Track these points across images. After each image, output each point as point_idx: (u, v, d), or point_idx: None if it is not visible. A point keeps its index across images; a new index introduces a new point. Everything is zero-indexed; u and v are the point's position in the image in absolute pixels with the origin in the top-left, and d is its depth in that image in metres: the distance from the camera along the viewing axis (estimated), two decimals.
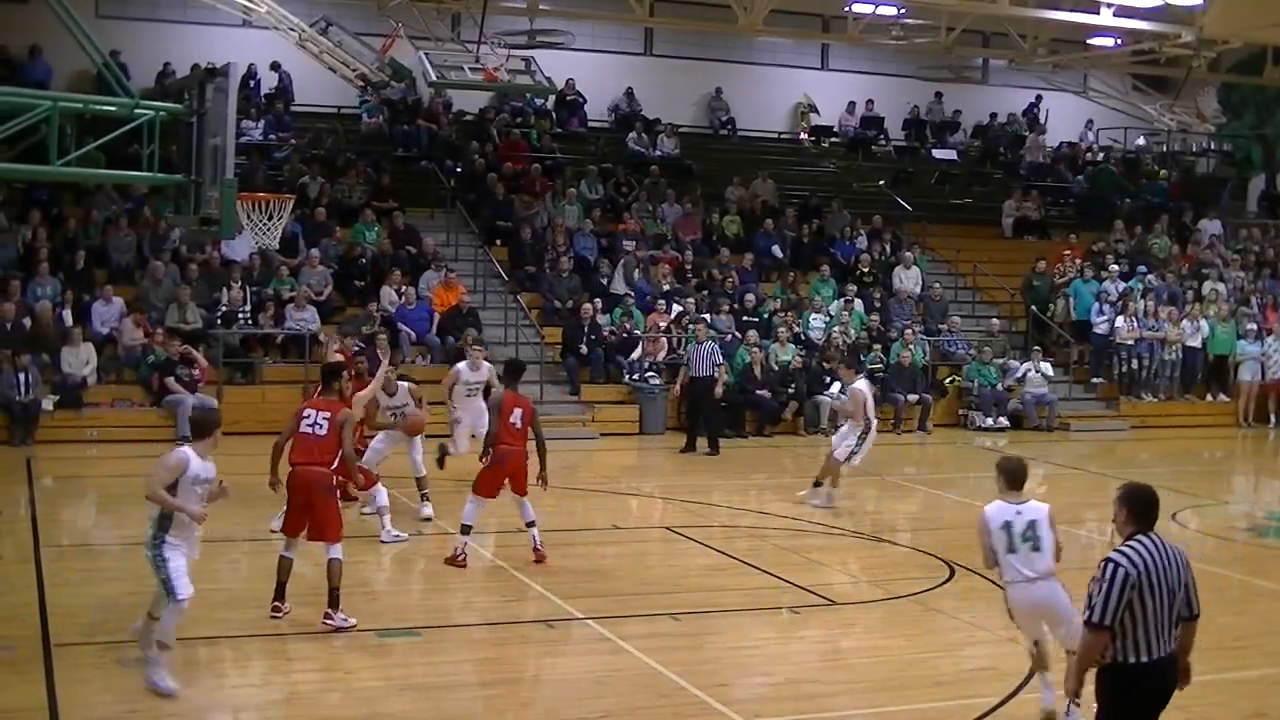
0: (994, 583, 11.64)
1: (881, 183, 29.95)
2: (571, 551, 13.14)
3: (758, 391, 21.74)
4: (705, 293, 23.78)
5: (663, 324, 22.72)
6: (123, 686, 8.70)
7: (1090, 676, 6.34)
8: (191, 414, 8.75)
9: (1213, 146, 34.34)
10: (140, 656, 8.65)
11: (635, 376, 21.92)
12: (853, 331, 23.54)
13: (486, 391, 14.85)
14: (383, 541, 12.70)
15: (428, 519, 13.66)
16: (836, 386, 15.77)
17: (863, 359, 22.90)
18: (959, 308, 26.04)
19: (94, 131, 12.63)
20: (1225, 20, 22.98)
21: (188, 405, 19.04)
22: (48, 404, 18.75)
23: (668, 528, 14.50)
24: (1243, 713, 8.91)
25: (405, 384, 13.86)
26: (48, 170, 11.23)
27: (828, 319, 23.89)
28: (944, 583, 11.94)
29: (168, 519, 8.58)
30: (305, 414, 10.29)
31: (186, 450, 8.91)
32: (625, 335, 22.40)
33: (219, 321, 20.69)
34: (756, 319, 23.15)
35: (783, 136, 31.63)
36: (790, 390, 22.09)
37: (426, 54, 20.12)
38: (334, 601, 9.92)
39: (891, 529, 15.06)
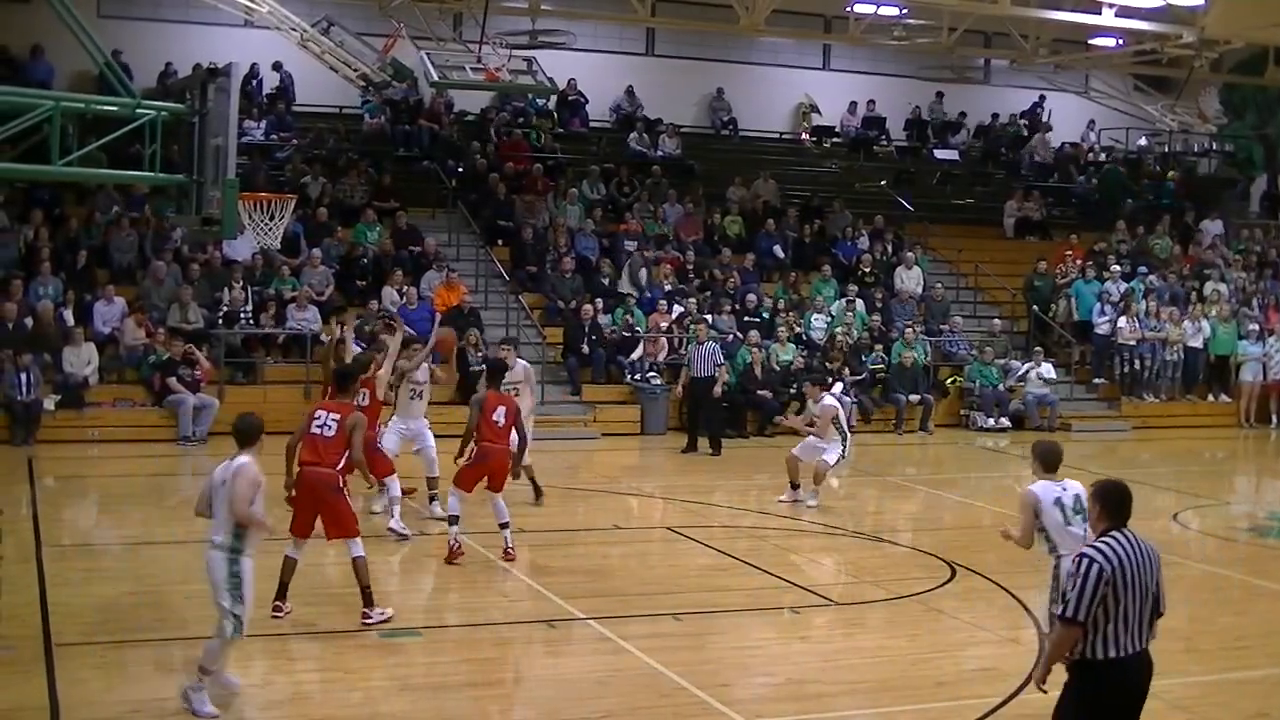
0: (995, 583, 11.72)
1: (883, 183, 29.94)
2: (573, 551, 13.15)
3: (759, 392, 21.73)
4: (707, 293, 23.77)
5: (664, 324, 22.73)
6: (124, 686, 8.71)
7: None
8: (237, 423, 8.52)
9: (1214, 147, 34.32)
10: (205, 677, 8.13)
11: (637, 377, 21.92)
12: (855, 332, 23.54)
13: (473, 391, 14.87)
14: (389, 528, 12.69)
15: (436, 518, 13.61)
16: (838, 387, 15.71)
17: (864, 360, 22.93)
18: (960, 308, 26.03)
19: (96, 131, 12.63)
20: (1227, 20, 22.96)
21: (189, 405, 19.10)
22: (49, 404, 18.75)
23: (669, 528, 14.50)
24: (1245, 713, 8.91)
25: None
26: (49, 170, 11.24)
27: (829, 319, 23.88)
28: (945, 583, 11.94)
29: (244, 533, 8.17)
30: (316, 415, 10.30)
31: (253, 461, 8.39)
32: (629, 334, 22.41)
33: (220, 321, 20.68)
34: (758, 319, 23.15)
35: (784, 137, 31.62)
36: (791, 390, 22.07)
37: (428, 54, 20.11)
38: (368, 600, 9.97)
39: (893, 529, 15.07)
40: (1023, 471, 20.39)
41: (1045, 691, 6.40)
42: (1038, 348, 24.32)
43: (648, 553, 13.56)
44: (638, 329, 22.52)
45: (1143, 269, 26.47)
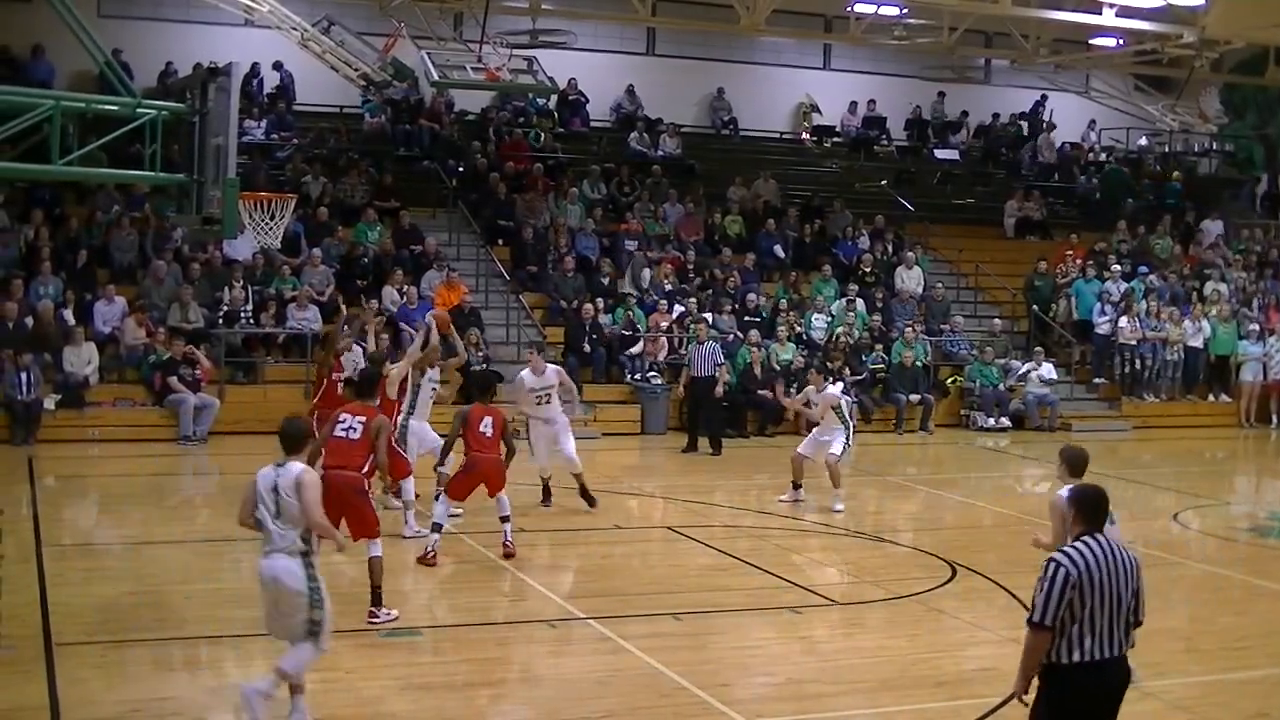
0: (995, 583, 11.72)
1: (883, 183, 29.94)
2: (573, 551, 13.15)
3: (759, 391, 21.74)
4: (707, 292, 23.77)
5: (664, 324, 22.73)
6: (124, 686, 8.71)
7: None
8: (286, 427, 8.01)
9: (1215, 147, 34.32)
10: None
11: (637, 376, 21.93)
12: (855, 332, 23.54)
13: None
14: (405, 537, 12.66)
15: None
16: (837, 388, 15.63)
17: (864, 359, 22.93)
18: (961, 308, 26.03)
19: (96, 131, 12.63)
20: (1227, 20, 22.95)
21: (190, 405, 19.11)
22: (49, 403, 18.76)
23: (669, 527, 14.50)
24: (1245, 713, 8.90)
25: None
26: (50, 170, 11.25)
27: (829, 319, 23.89)
28: (946, 583, 11.94)
29: (311, 535, 7.77)
30: (341, 418, 10.29)
31: (309, 467, 8.05)
32: (631, 332, 22.41)
33: (221, 321, 20.69)
34: (758, 319, 23.15)
35: (785, 136, 31.61)
36: (792, 390, 22.05)
37: (428, 53, 20.10)
38: (377, 599, 9.99)
39: (893, 529, 15.06)
40: (1022, 471, 20.55)
41: (1026, 703, 6.41)
42: (1038, 348, 24.33)
43: (648, 553, 13.56)
44: (638, 328, 22.52)
45: (1143, 269, 26.48)
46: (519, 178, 25.89)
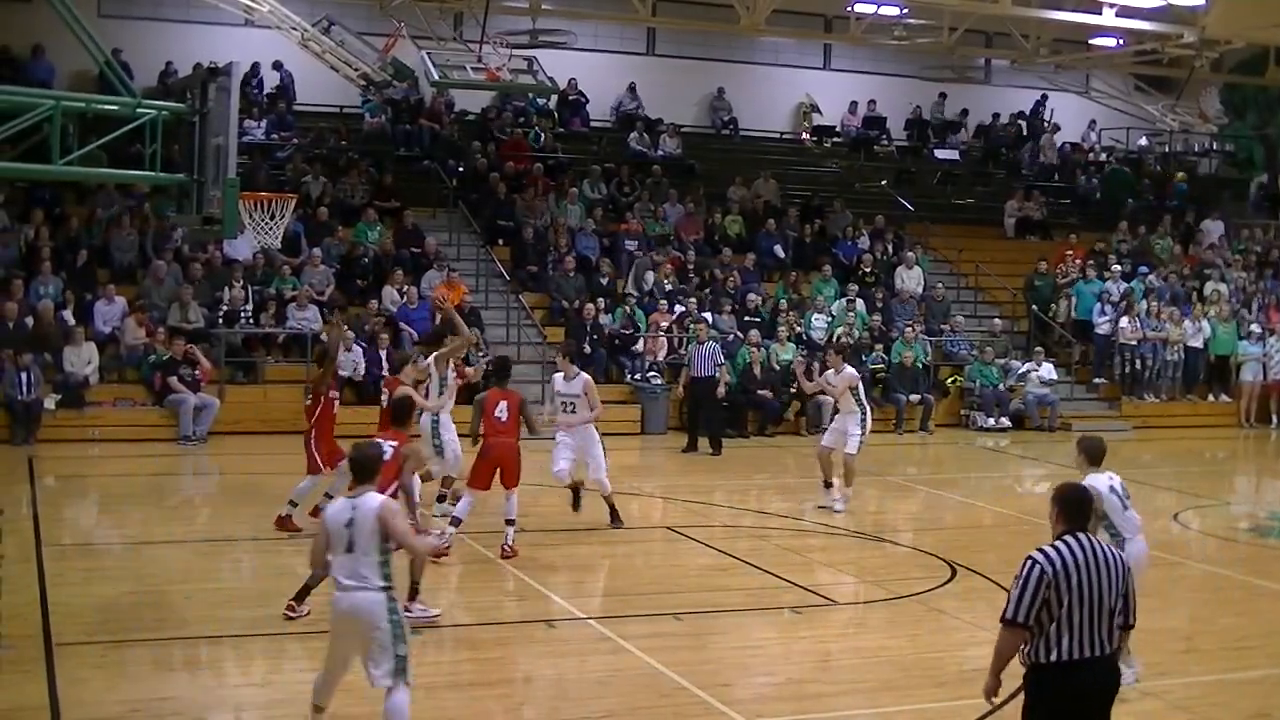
0: (995, 583, 11.71)
1: (884, 183, 29.94)
2: (573, 551, 13.14)
3: (759, 391, 21.73)
4: (707, 292, 23.77)
5: (664, 324, 22.73)
6: (124, 686, 8.71)
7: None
8: (358, 455, 7.59)
9: (1215, 147, 34.32)
10: None
11: (637, 376, 21.92)
12: (855, 332, 23.54)
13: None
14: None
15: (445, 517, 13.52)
16: (830, 374, 15.54)
17: (864, 359, 22.91)
18: (961, 308, 26.04)
19: (96, 131, 12.62)
20: (1227, 20, 22.96)
21: (189, 405, 19.11)
22: (50, 403, 18.76)
23: (669, 527, 14.50)
24: (1245, 713, 8.90)
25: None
26: (50, 170, 11.24)
27: (830, 319, 23.89)
28: (945, 583, 11.94)
29: (392, 574, 7.37)
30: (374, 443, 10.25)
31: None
32: (632, 331, 22.41)
33: (221, 321, 20.69)
34: (758, 319, 23.15)
35: (785, 136, 31.61)
36: (792, 390, 22.08)
37: (429, 53, 20.10)
38: (414, 593, 9.98)
39: (893, 529, 15.06)
40: (1022, 471, 20.53)
41: (993, 703, 6.40)
42: (1038, 348, 24.33)
43: (648, 552, 13.56)
44: (638, 328, 22.53)
45: (1143, 269, 26.48)
46: (519, 178, 25.88)
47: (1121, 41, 27.38)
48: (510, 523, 12.19)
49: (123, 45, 20.83)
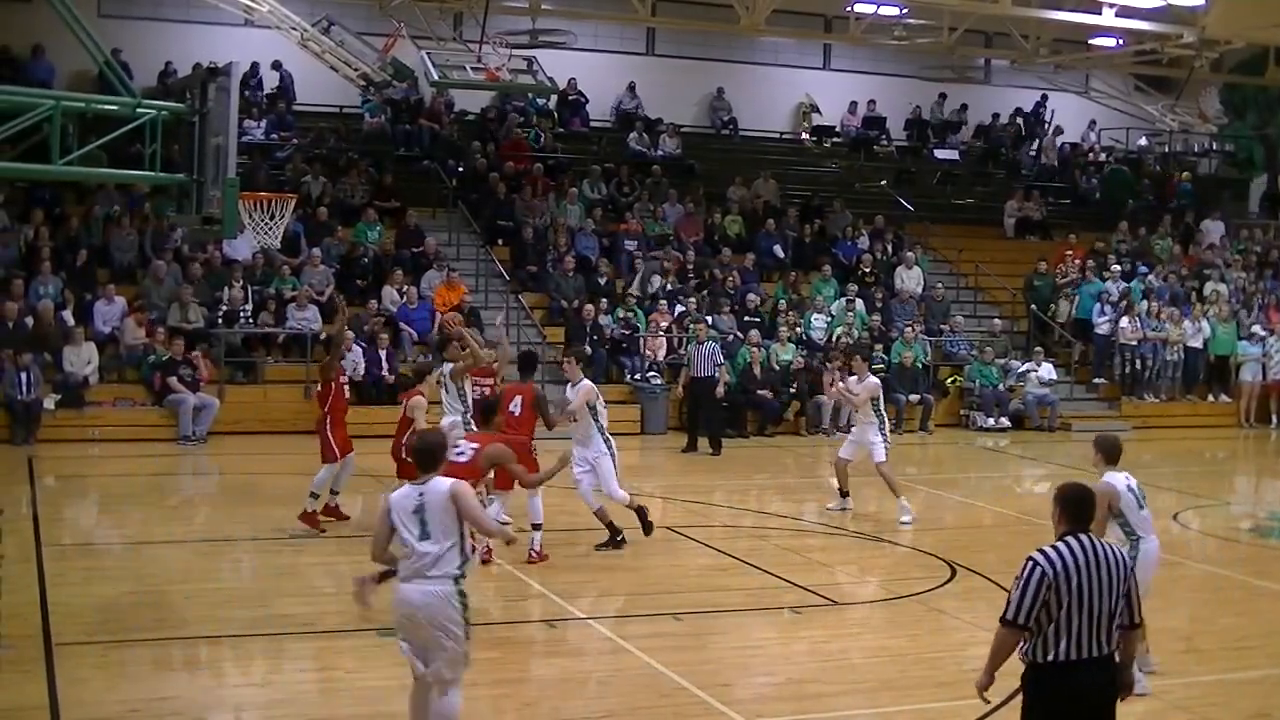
0: (995, 583, 11.71)
1: (883, 183, 29.94)
2: (573, 551, 13.12)
3: (759, 391, 21.73)
4: (706, 293, 23.77)
5: (664, 324, 22.73)
6: (123, 686, 8.70)
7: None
8: (422, 444, 7.28)
9: (1215, 147, 34.32)
10: None
11: (637, 376, 21.92)
12: (855, 332, 23.54)
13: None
14: None
15: None
16: (852, 380, 15.37)
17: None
18: (960, 308, 26.04)
19: (96, 131, 12.62)
20: (1227, 20, 22.96)
21: (189, 405, 19.11)
22: (49, 403, 18.76)
23: (669, 528, 14.48)
24: (1245, 713, 8.90)
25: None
26: (50, 170, 11.24)
27: (829, 319, 23.89)
28: (945, 583, 11.94)
29: (465, 562, 7.11)
30: (457, 445, 10.20)
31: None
32: (632, 331, 22.40)
33: (220, 321, 20.69)
34: (758, 319, 23.15)
35: (785, 136, 31.61)
36: (792, 390, 22.08)
37: (428, 53, 20.11)
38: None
39: (893, 529, 15.03)
40: (1022, 471, 20.52)
41: (987, 701, 6.39)
42: (1038, 348, 24.33)
43: (648, 553, 13.54)
44: (638, 328, 22.53)
45: (1142, 269, 26.47)
46: (519, 178, 25.88)
47: (1121, 41, 27.38)
48: (536, 527, 12.14)
49: (122, 45, 20.81)
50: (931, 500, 17.16)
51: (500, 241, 24.62)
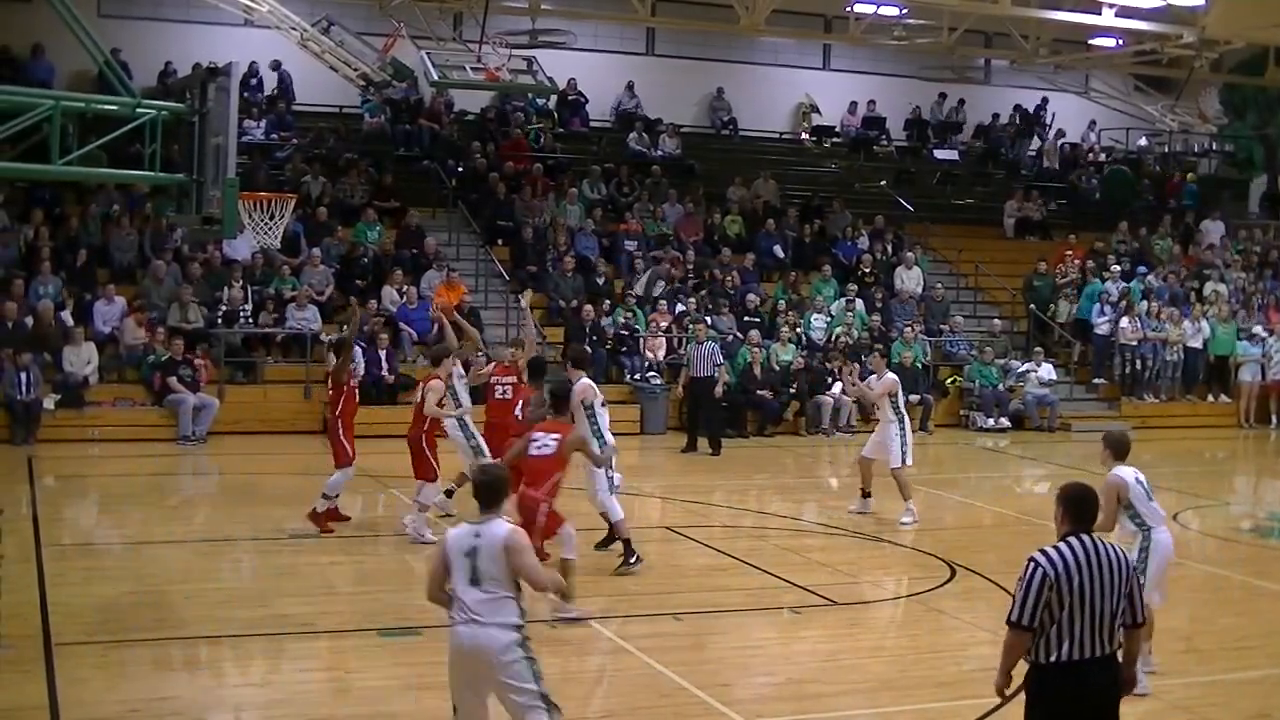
0: (995, 583, 11.71)
1: (883, 183, 29.94)
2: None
3: (759, 392, 21.73)
4: (706, 293, 23.77)
5: (664, 324, 22.73)
6: (123, 686, 8.70)
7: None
8: (485, 478, 6.84)
9: (1214, 147, 34.33)
10: None
11: (637, 376, 21.92)
12: (855, 332, 23.54)
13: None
14: (413, 540, 12.68)
15: (447, 515, 13.50)
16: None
17: (863, 359, 22.89)
18: (960, 308, 26.04)
19: (96, 131, 12.62)
20: (1227, 21, 22.96)
21: (189, 405, 19.11)
22: (49, 403, 18.76)
23: (669, 528, 14.49)
24: (1245, 713, 8.90)
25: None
26: (50, 169, 11.24)
27: (829, 319, 23.89)
28: (945, 583, 11.94)
29: (523, 609, 6.63)
30: (535, 437, 10.36)
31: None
32: (632, 332, 22.40)
33: (220, 321, 20.69)
34: (758, 319, 23.15)
35: (784, 136, 31.60)
36: (792, 390, 22.08)
37: (428, 53, 20.10)
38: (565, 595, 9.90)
39: (893, 529, 15.03)
40: (1022, 471, 20.52)
41: (1005, 697, 6.39)
42: (1038, 348, 24.34)
43: (647, 553, 13.51)
44: (637, 328, 22.53)
45: (1142, 269, 26.48)
46: (518, 178, 25.88)
47: (1121, 42, 27.38)
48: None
49: (122, 45, 20.81)
50: (931, 500, 17.15)
51: (500, 241, 24.61)
